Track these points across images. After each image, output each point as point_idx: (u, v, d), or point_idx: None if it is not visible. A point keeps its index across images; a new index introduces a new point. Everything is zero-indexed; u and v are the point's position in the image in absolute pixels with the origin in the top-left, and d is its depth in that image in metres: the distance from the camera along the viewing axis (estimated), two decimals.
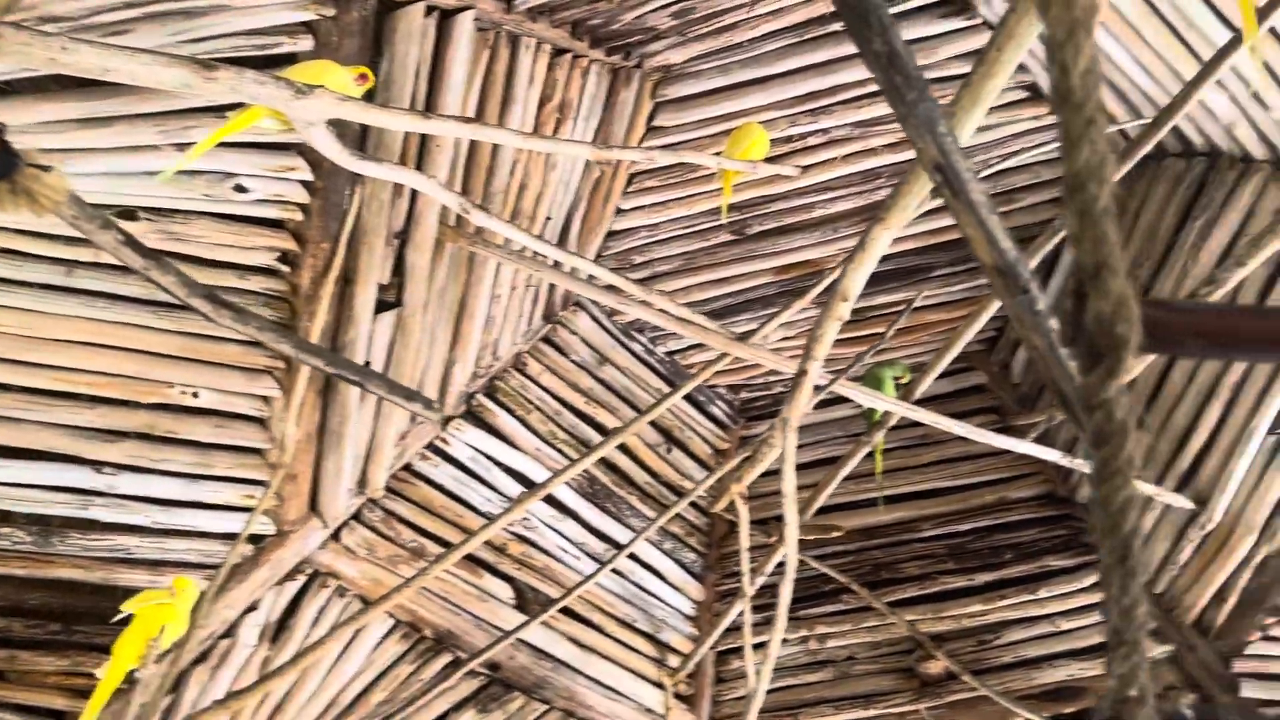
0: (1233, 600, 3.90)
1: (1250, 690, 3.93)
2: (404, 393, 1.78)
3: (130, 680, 2.87)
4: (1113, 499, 1.02)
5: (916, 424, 4.17)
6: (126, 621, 2.75)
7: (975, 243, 1.50)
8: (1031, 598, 4.21)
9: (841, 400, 4.56)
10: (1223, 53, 2.67)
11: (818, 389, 3.33)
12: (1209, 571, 3.89)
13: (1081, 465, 3.71)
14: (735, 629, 4.35)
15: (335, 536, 3.56)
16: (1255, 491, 3.71)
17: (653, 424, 4.55)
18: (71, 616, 3.04)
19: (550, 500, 4.14)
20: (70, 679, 2.98)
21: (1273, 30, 3.05)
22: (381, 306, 3.07)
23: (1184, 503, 3.82)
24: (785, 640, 4.41)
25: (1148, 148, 2.87)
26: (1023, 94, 3.97)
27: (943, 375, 4.50)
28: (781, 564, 4.56)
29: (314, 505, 3.43)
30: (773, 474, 4.40)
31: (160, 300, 2.95)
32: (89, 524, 3.07)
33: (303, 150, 2.70)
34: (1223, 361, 3.71)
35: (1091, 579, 4.16)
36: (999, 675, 4.16)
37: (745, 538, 3.39)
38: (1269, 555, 3.78)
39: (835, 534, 4.24)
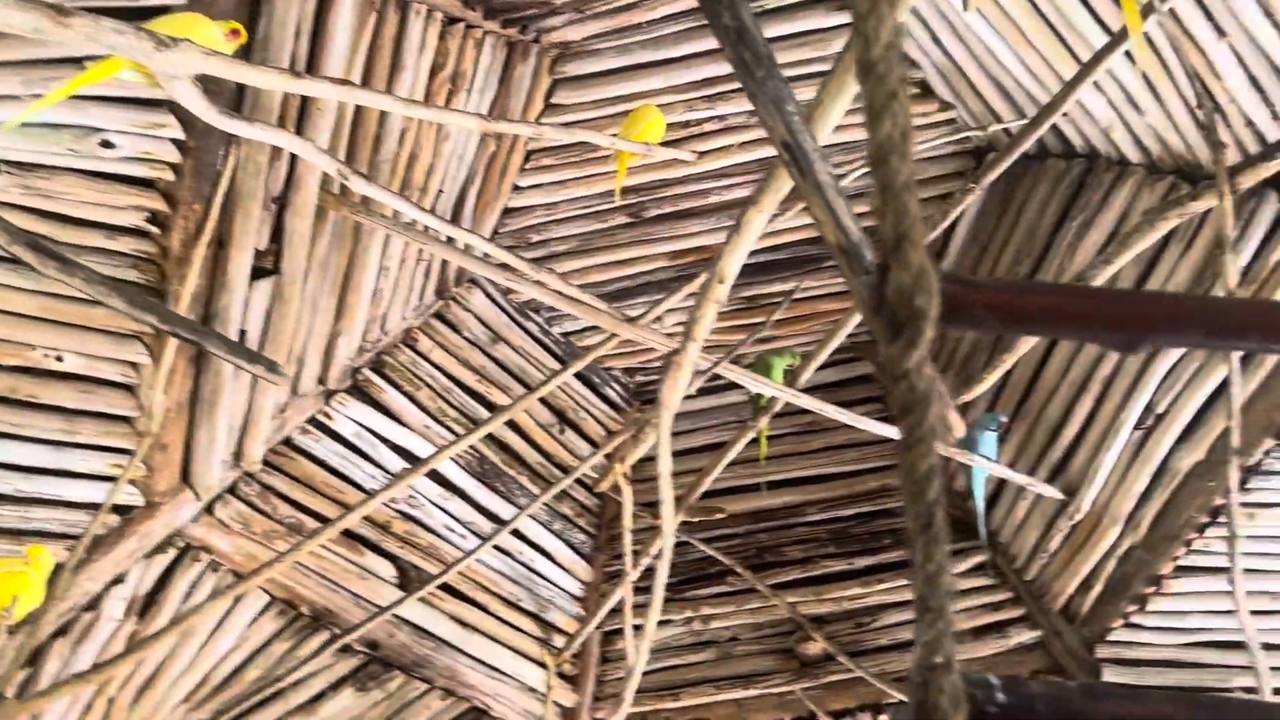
0: (1098, 588, 4.06)
1: (1111, 675, 4.10)
2: (246, 355, 1.73)
3: None
4: (917, 467, 1.04)
5: (805, 411, 4.25)
6: None
7: (822, 223, 1.52)
8: (908, 582, 4.31)
9: (734, 386, 4.61)
10: (1099, 55, 2.76)
11: (700, 372, 3.36)
12: (1076, 560, 4.05)
13: (955, 453, 3.82)
14: (622, 609, 4.37)
15: (209, 510, 3.46)
16: (1121, 484, 3.86)
17: (547, 405, 4.53)
18: None
19: (438, 478, 4.09)
20: None
21: (1147, 37, 3.17)
22: (258, 273, 2.98)
23: (1054, 493, 3.96)
24: (670, 621, 4.47)
25: (1025, 146, 2.96)
26: (913, 90, 4.05)
27: (831, 364, 4.60)
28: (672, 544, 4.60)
29: (186, 477, 3.33)
30: (653, 459, 4.42)
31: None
32: None
33: (174, 107, 2.60)
34: (1093, 359, 3.86)
35: (967, 564, 4.29)
36: (875, 657, 4.27)
37: (628, 518, 3.41)
38: (1133, 545, 3.94)
39: (719, 516, 4.29)
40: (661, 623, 4.45)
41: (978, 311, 0.99)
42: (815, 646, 4.31)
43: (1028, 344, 3.41)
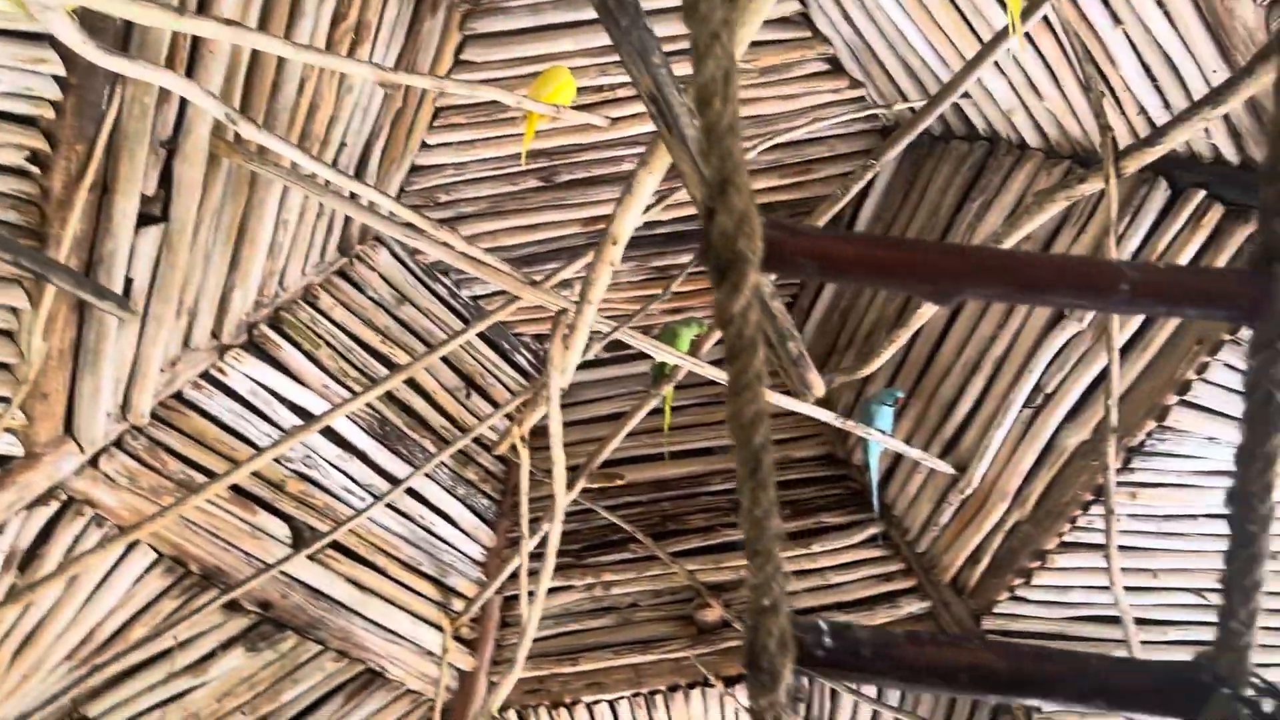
0: (985, 562, 4.19)
1: None
2: (92, 288, 1.68)
3: None
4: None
5: (710, 382, 4.29)
6: None
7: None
8: (805, 552, 4.41)
9: (642, 356, 4.63)
10: (995, 40, 2.82)
11: (598, 336, 3.37)
12: (966, 534, 4.17)
13: (854, 428, 3.90)
14: (530, 593, 4.38)
15: (93, 463, 3.36)
16: (1010, 461, 3.98)
17: (454, 369, 4.50)
18: None
19: (336, 439, 4.04)
20: None
21: (1047, 20, 3.24)
22: (145, 220, 2.89)
23: (946, 468, 4.07)
24: (572, 587, 4.49)
25: (925, 125, 3.01)
26: (824, 66, 4.09)
27: None
28: (575, 511, 4.62)
29: (69, 428, 3.23)
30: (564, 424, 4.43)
31: None
32: None
33: (55, 42, 2.50)
34: (987, 339, 3.96)
35: (861, 536, 4.39)
36: None
37: (525, 481, 3.40)
38: (1019, 521, 4.07)
39: (619, 482, 4.31)
40: (563, 588, 4.50)
41: (799, 259, 1.00)
42: (713, 613, 4.38)
43: (921, 319, 3.49)
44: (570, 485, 3.81)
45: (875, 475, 4.24)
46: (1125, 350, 3.60)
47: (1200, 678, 1.22)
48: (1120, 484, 3.75)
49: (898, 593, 4.39)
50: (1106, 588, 3.97)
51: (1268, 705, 1.20)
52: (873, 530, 4.38)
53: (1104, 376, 3.65)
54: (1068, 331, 3.69)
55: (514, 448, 3.53)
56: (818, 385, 1.59)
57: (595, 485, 4.26)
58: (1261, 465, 1.11)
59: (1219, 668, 1.24)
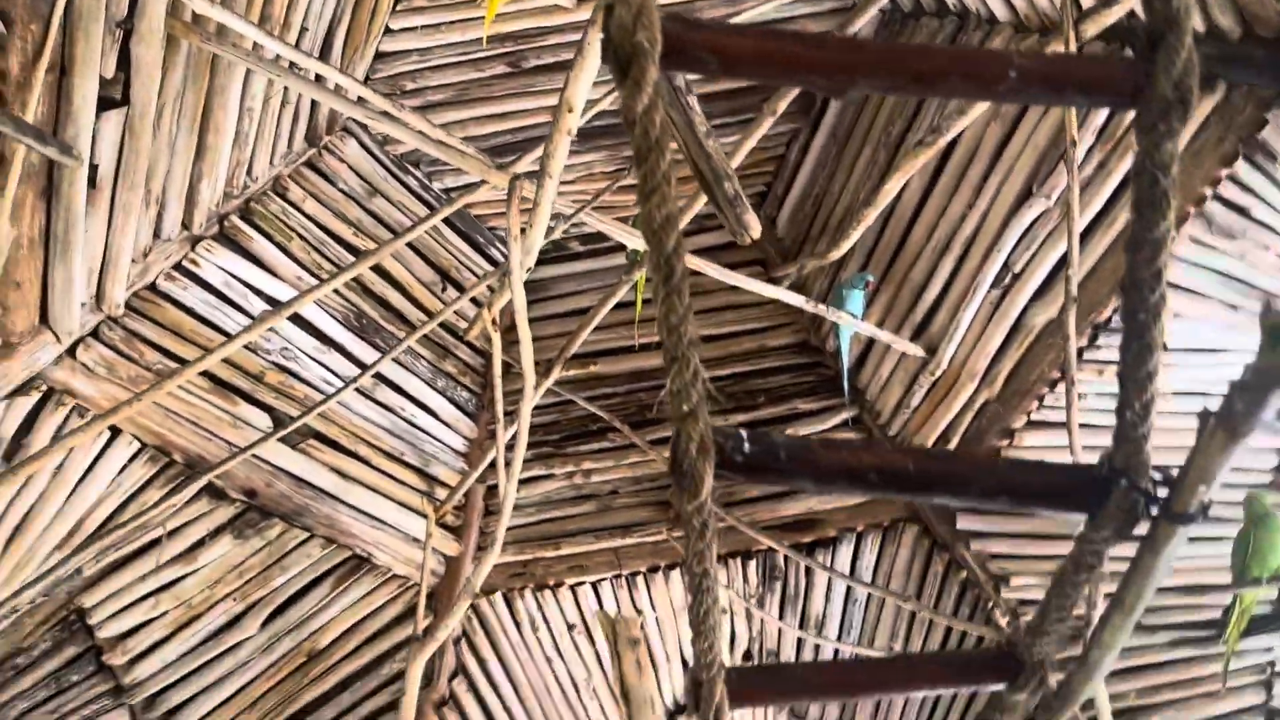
0: (955, 441, 4.27)
1: (966, 523, 4.37)
2: (33, 133, 1.69)
3: None
4: (654, 216, 1.10)
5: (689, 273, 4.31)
6: None
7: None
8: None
9: (620, 249, 4.65)
10: None
11: (561, 218, 3.38)
12: (936, 414, 4.25)
13: (825, 311, 3.95)
14: (506, 464, 4.47)
15: (70, 353, 3.41)
16: (979, 341, 4.04)
17: (430, 263, 4.52)
18: None
19: (314, 332, 4.08)
20: None
21: None
22: (105, 104, 2.88)
23: (916, 350, 4.13)
24: (552, 475, 4.59)
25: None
26: None
27: (715, 228, 4.66)
28: (555, 402, 4.68)
29: (45, 318, 3.26)
30: (539, 319, 4.47)
31: None
32: None
33: None
34: (956, 220, 3.98)
35: (833, 420, 4.47)
36: (747, 507, 4.46)
37: (498, 363, 3.45)
38: (988, 400, 4.15)
39: (592, 368, 4.37)
40: (544, 477, 4.60)
41: (699, 53, 1.03)
42: None
43: (888, 195, 3.51)
44: (545, 375, 3.88)
45: (847, 360, 4.30)
46: (1090, 228, 3.63)
47: (1100, 474, 1.29)
48: (1086, 361, 3.82)
49: None
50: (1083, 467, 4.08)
51: (1163, 493, 1.26)
52: (845, 415, 4.46)
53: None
54: (1035, 210, 3.71)
55: (486, 333, 3.57)
56: (754, 225, 1.62)
57: (570, 373, 4.31)
58: (1150, 252, 1.16)
59: (1116, 461, 1.30)
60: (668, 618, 4.71)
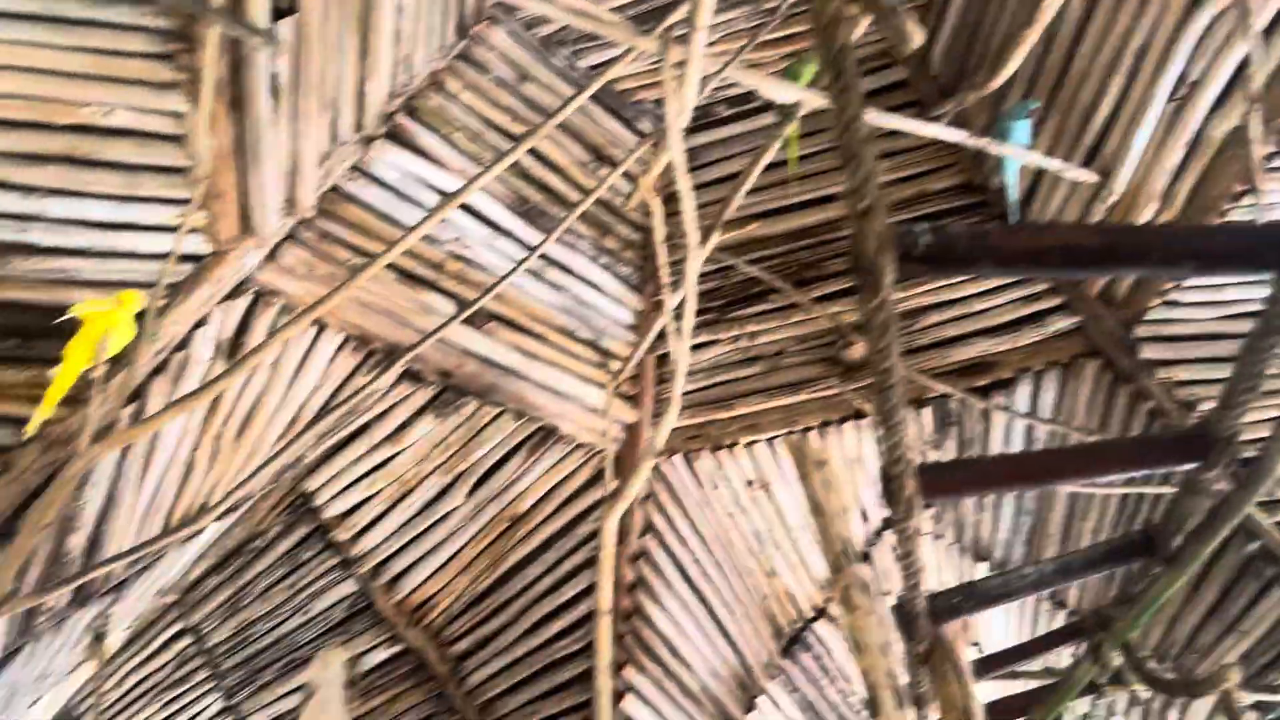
0: None
1: (1150, 352, 4.25)
2: (245, 27, 1.85)
3: (86, 383, 3.11)
4: (825, 11, 1.16)
5: None
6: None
7: None
8: (947, 283, 4.45)
9: (768, 108, 4.61)
10: None
11: (711, 77, 3.39)
12: None
13: (988, 146, 3.84)
14: (676, 328, 4.62)
15: (272, 256, 3.71)
16: (1156, 160, 3.85)
17: (583, 143, 4.61)
18: (29, 334, 3.23)
19: (484, 220, 4.28)
20: (33, 390, 3.20)
21: None
22: (278, 14, 3.07)
23: (1089, 176, 3.97)
24: (718, 341, 4.71)
25: None
26: None
27: (866, 73, 4.56)
28: (715, 269, 4.76)
29: (246, 225, 3.55)
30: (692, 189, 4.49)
31: (61, 15, 2.96)
32: (30, 248, 3.21)
33: None
34: (1123, 33, 3.76)
35: None
36: (916, 356, 4.47)
37: (660, 230, 3.54)
38: (1168, 222, 3.97)
39: (751, 228, 4.39)
40: (710, 344, 4.73)
41: None
42: (858, 350, 4.53)
43: (1047, 16, 3.35)
44: (705, 239, 3.94)
45: (1014, 195, 4.17)
46: (1271, 27, 3.36)
47: None
48: (1272, 169, 3.60)
49: (1044, 312, 4.40)
50: (1257, 281, 3.87)
51: None
52: None
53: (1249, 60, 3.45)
54: (1209, 12, 3.46)
55: (644, 205, 3.66)
56: (916, 33, 1.62)
57: (729, 236, 4.36)
58: None
59: None
60: (841, 471, 4.82)
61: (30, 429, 2.96)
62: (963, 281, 4.43)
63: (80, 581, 3.51)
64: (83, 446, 3.18)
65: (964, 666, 1.86)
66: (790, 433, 4.66)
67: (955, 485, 1.51)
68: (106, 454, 3.38)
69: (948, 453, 4.60)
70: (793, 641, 5.13)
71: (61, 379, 2.98)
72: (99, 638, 4.17)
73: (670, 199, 4.10)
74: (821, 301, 4.53)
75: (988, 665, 2.19)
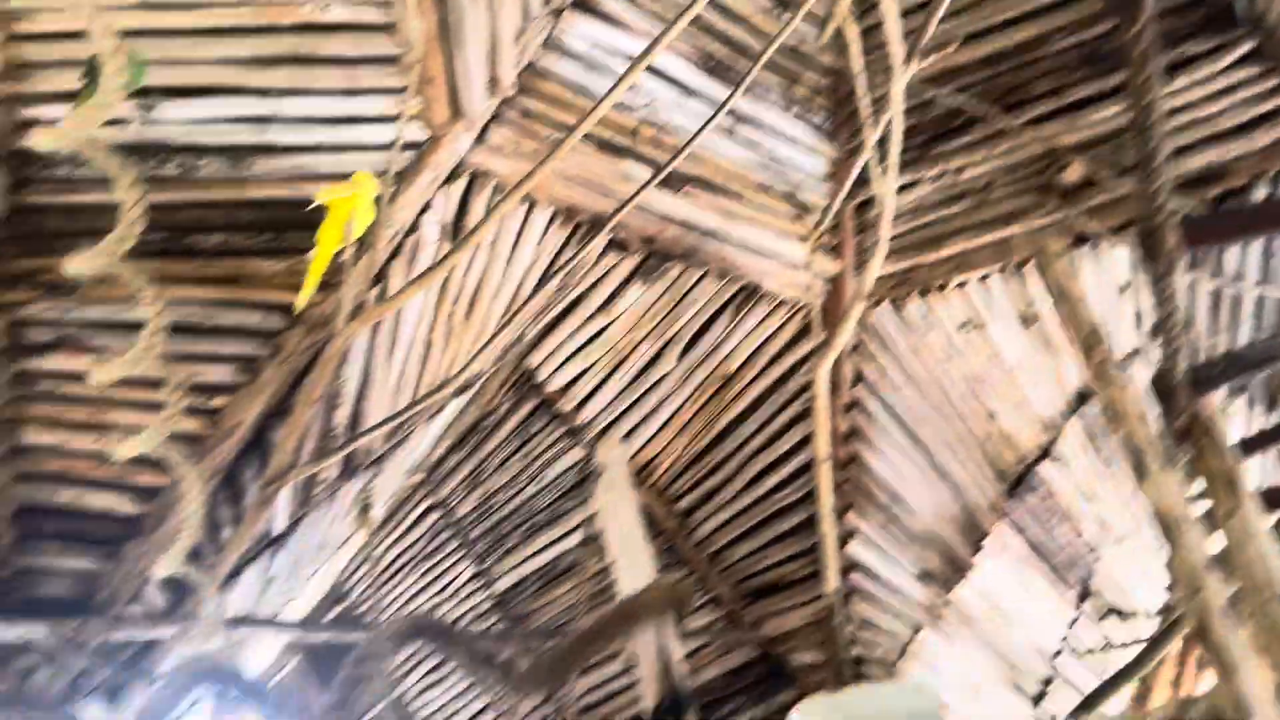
0: None
1: None
2: None
3: (337, 267, 3.40)
4: None
5: None
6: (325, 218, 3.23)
7: None
8: (1169, 89, 4.15)
9: None
10: None
11: None
12: None
13: None
14: (870, 178, 4.53)
15: (482, 138, 3.88)
16: None
17: None
18: (280, 227, 3.55)
19: (673, 82, 4.29)
20: (290, 278, 3.53)
21: None
22: None
23: None
24: (920, 180, 4.59)
25: None
26: None
27: None
28: (912, 105, 4.62)
29: (456, 108, 3.71)
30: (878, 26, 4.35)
31: None
32: (270, 148, 3.50)
33: None
34: None
35: (1228, 59, 4.04)
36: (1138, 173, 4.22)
37: (857, 57, 3.46)
38: None
39: (948, 50, 4.19)
40: (912, 185, 4.62)
41: None
42: (1075, 173, 4.32)
43: None
44: (909, 59, 3.79)
45: None
46: None
47: None
48: None
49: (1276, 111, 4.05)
50: None
51: None
52: (1244, 48, 4.00)
53: None
54: None
55: (837, 39, 3.58)
56: None
57: (928, 61, 4.19)
58: None
59: None
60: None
61: (299, 305, 3.27)
62: (1188, 86, 4.12)
63: (348, 450, 3.89)
64: (340, 325, 3.51)
65: (1225, 439, 1.82)
66: (1004, 267, 4.53)
67: (1223, 233, 1.46)
68: (359, 333, 3.69)
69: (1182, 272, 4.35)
70: (1017, 483, 5.08)
71: (318, 260, 3.27)
72: (365, 509, 4.61)
73: (865, 31, 4.00)
74: (1031, 125, 4.33)
75: (1250, 446, 2.14)
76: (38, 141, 1.64)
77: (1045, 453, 5.10)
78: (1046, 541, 5.29)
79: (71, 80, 3.12)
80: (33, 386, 3.38)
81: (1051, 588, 5.44)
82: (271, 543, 3.96)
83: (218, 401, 3.56)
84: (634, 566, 1.27)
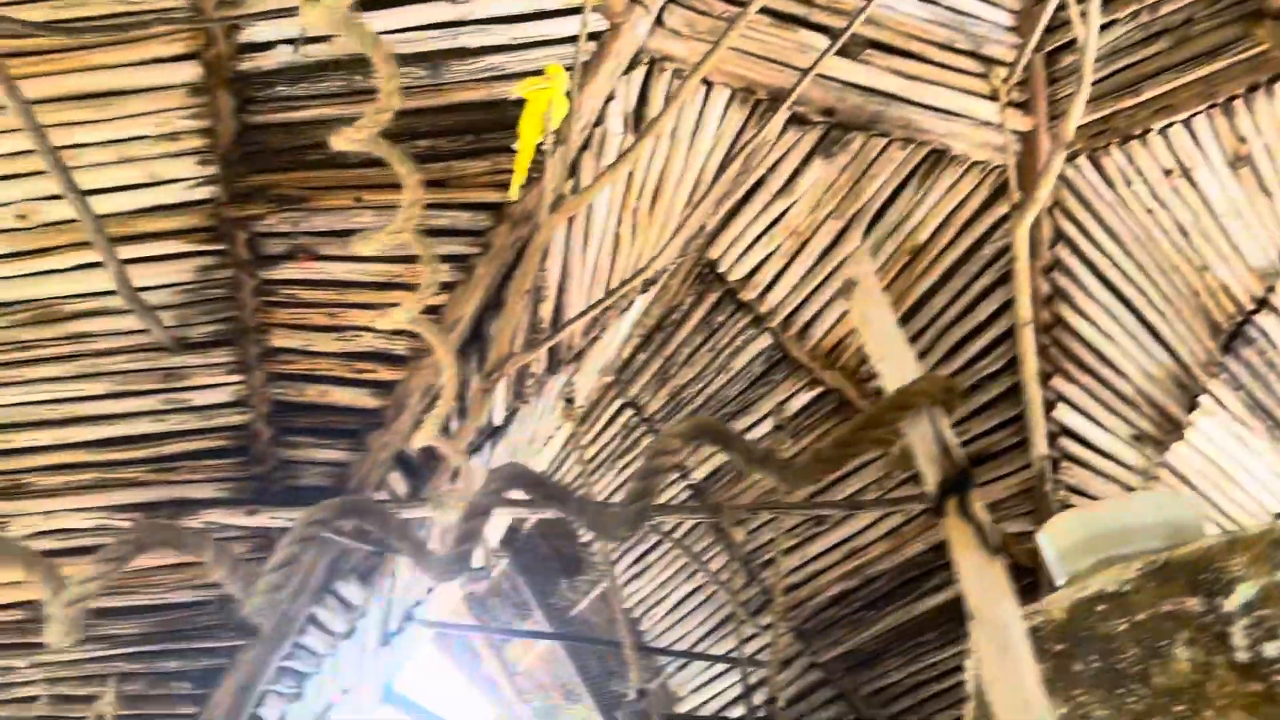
0: None
1: None
2: None
3: (539, 160, 3.51)
4: None
5: None
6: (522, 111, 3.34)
7: None
8: None
9: None
10: None
11: None
12: None
13: None
14: (1060, 25, 4.30)
15: (659, 21, 3.89)
16: None
17: None
18: (478, 129, 3.68)
19: None
20: (494, 176, 3.67)
21: None
22: None
23: None
24: (1116, 21, 4.34)
25: None
26: None
27: None
28: None
29: None
30: None
31: None
32: (462, 52, 3.61)
33: None
34: None
35: None
36: None
37: None
38: None
39: None
40: (1105, 26, 4.36)
41: None
42: None
43: None
44: None
45: None
46: None
47: None
48: None
49: None
50: None
51: None
52: None
53: None
54: None
55: None
56: None
57: None
58: None
59: None
60: (1275, 140, 4.36)
61: (513, 193, 3.41)
62: None
63: (555, 340, 4.05)
64: (543, 217, 3.63)
65: None
66: (1211, 106, 4.25)
67: None
68: (559, 225, 3.81)
69: None
70: (1233, 337, 4.83)
71: (522, 152, 3.39)
72: (569, 401, 4.81)
73: None
74: None
75: None
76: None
77: (1262, 304, 4.81)
78: (1265, 398, 5.02)
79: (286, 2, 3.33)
80: (274, 294, 3.65)
81: (1272, 445, 5.17)
82: (492, 434, 4.18)
83: (438, 299, 3.76)
84: (897, 366, 1.30)
